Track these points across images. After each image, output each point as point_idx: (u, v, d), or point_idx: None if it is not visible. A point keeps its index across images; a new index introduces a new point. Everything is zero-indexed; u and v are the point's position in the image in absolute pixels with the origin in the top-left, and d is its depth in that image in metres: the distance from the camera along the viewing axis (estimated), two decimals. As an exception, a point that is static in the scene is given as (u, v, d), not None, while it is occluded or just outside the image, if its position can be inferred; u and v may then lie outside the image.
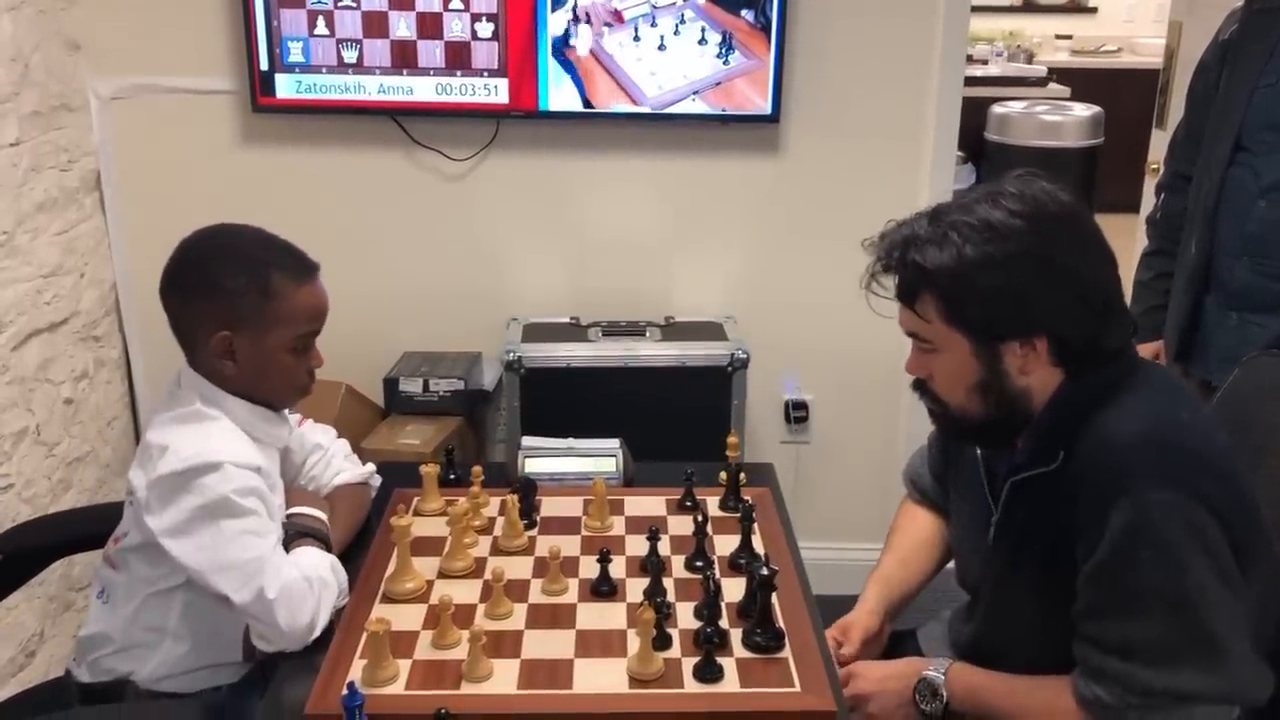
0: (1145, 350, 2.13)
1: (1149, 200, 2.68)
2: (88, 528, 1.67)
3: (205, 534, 1.43)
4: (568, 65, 2.54)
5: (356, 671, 1.34)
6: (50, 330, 2.40)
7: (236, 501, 1.44)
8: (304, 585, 1.44)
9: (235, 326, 1.51)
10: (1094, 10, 6.65)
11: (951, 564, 1.69)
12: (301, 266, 1.57)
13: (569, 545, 1.62)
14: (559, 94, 2.57)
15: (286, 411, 1.67)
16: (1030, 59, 6.13)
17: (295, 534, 1.53)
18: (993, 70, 5.79)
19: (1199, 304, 2.10)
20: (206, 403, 1.53)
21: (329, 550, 1.55)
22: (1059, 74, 5.85)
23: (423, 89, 2.57)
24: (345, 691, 1.19)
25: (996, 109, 5.11)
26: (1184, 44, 2.87)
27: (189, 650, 1.55)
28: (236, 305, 1.51)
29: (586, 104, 2.57)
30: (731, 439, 1.78)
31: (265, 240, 1.58)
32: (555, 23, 2.51)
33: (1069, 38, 6.49)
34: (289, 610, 1.41)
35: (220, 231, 1.59)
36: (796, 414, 2.85)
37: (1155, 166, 2.83)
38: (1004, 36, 6.28)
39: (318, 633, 1.44)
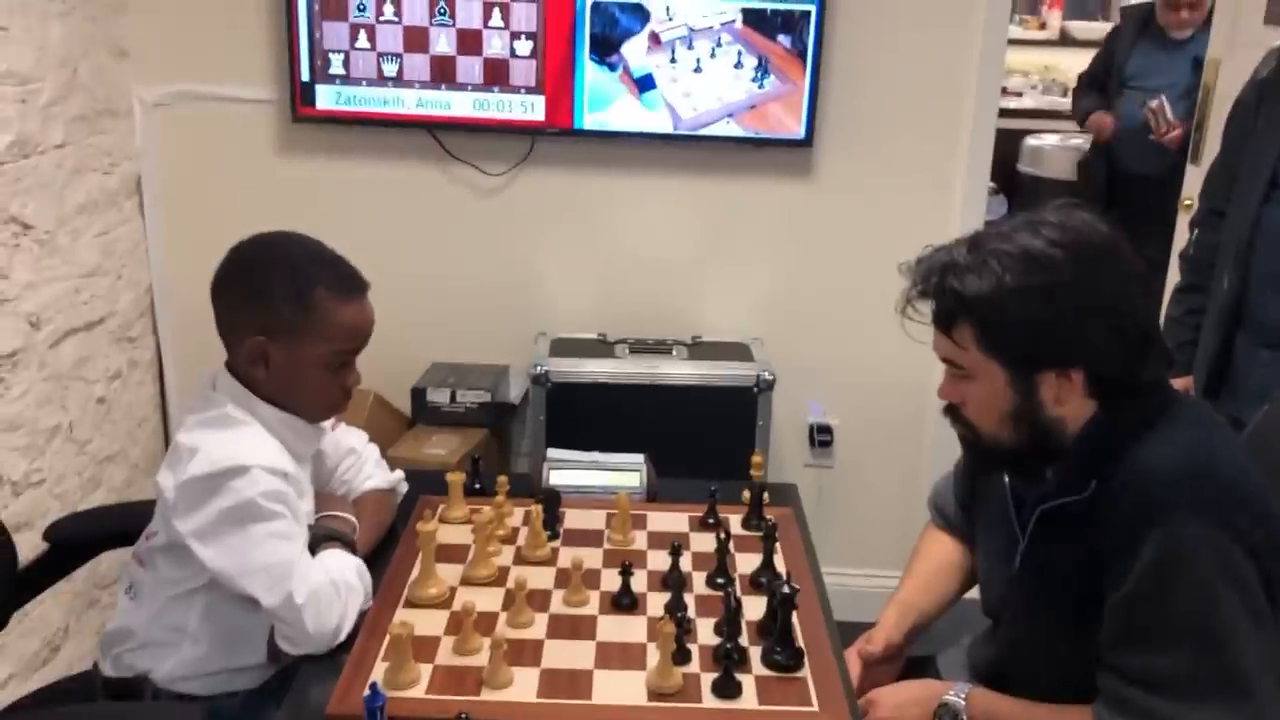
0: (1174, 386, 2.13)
1: (1182, 236, 2.68)
2: (131, 523, 1.68)
3: (233, 537, 1.44)
4: (648, 83, 2.58)
5: (379, 674, 1.35)
6: (86, 329, 2.44)
7: (263, 505, 1.44)
8: (331, 590, 1.45)
9: (272, 334, 1.51)
10: (1130, 46, 6.63)
11: (972, 591, 1.69)
12: (349, 284, 1.56)
13: (591, 558, 1.63)
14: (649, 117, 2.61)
15: (325, 425, 1.68)
16: (1065, 93, 6.11)
17: (323, 537, 1.55)
18: (1027, 102, 5.78)
19: (1230, 340, 2.09)
20: (238, 407, 1.54)
21: (354, 554, 1.56)
22: (1093, 108, 5.83)
23: (460, 104, 2.60)
24: (368, 692, 1.20)
25: (1030, 141, 5.11)
26: (1221, 81, 2.86)
27: (206, 652, 1.56)
28: (276, 313, 1.51)
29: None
30: (756, 458, 1.79)
31: (317, 253, 1.58)
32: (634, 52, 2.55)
33: (1105, 73, 6.48)
34: (316, 614, 1.42)
35: (276, 239, 1.59)
36: (821, 438, 2.85)
37: (1189, 202, 2.82)
38: (1039, 70, 6.27)
39: (343, 636, 1.45)
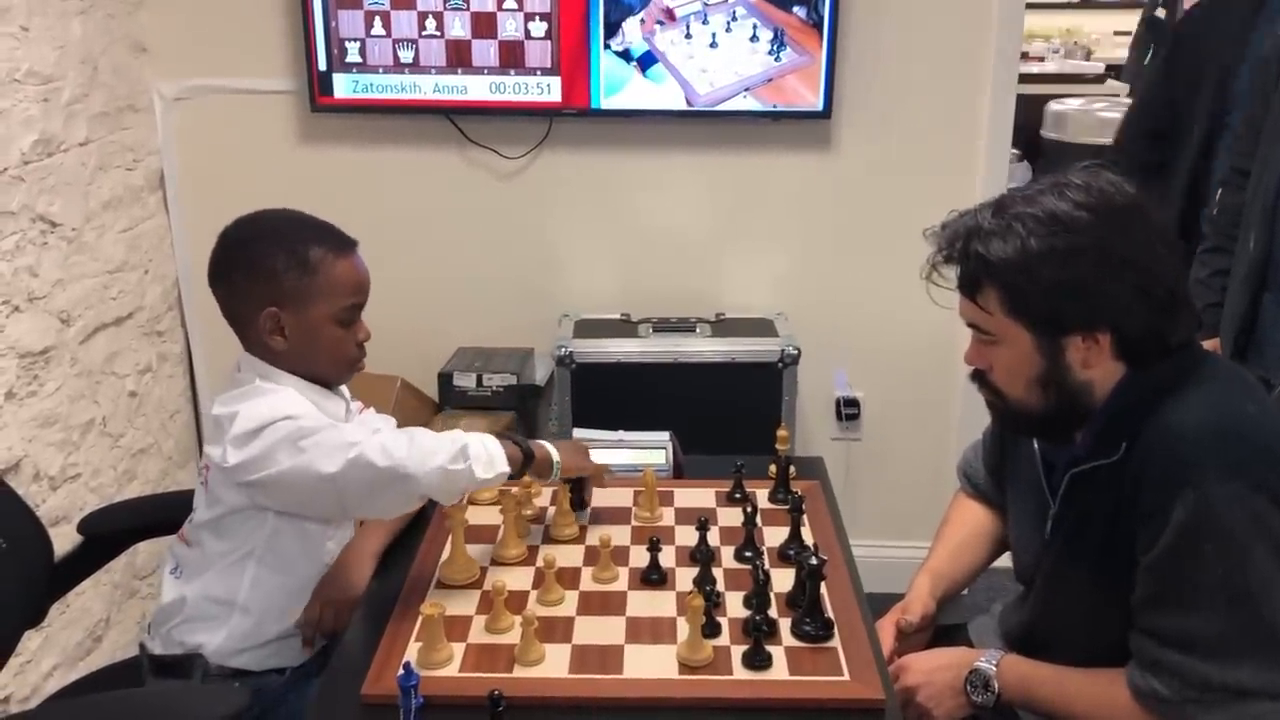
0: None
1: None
2: (164, 513, 1.72)
3: (292, 448, 1.47)
4: (648, 60, 2.57)
5: (412, 654, 1.37)
6: (116, 324, 2.47)
7: (308, 425, 1.49)
8: (402, 438, 1.47)
9: (281, 302, 1.56)
10: (1153, 6, 6.54)
11: (1002, 559, 1.69)
12: (339, 241, 1.62)
13: (619, 535, 1.64)
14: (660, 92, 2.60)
15: (346, 394, 1.71)
16: (1088, 56, 6.05)
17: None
18: (1049, 67, 5.72)
19: (1256, 301, 2.06)
20: (265, 379, 1.59)
21: (523, 451, 1.58)
22: (1117, 71, 5.76)
23: (477, 88, 2.60)
24: (401, 672, 1.22)
25: (1053, 106, 5.04)
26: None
27: (255, 624, 1.60)
28: (280, 281, 1.56)
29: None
30: (781, 431, 1.78)
31: (301, 220, 1.64)
32: (630, 31, 2.54)
33: (1127, 34, 6.39)
34: (384, 451, 1.44)
35: (258, 217, 1.65)
36: (848, 411, 2.85)
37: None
38: (1061, 34, 6.20)
39: (401, 456, 1.44)
